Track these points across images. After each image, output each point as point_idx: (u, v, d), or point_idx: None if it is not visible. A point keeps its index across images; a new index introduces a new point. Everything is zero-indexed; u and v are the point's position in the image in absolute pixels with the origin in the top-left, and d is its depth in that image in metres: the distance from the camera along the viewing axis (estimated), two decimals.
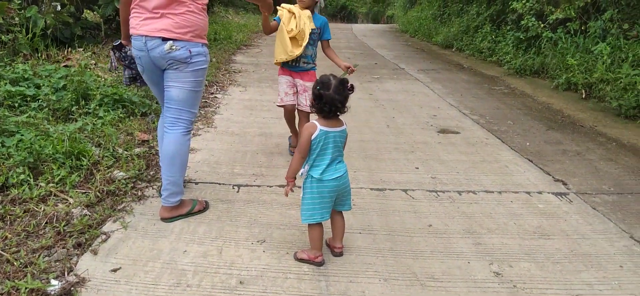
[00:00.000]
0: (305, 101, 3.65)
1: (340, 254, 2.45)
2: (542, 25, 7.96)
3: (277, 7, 3.71)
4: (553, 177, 3.71)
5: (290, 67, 3.69)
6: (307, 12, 3.60)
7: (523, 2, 8.45)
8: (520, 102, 6.30)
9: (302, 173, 2.33)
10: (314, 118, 2.38)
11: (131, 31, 2.62)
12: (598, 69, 6.23)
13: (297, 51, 3.55)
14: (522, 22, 8.35)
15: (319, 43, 3.77)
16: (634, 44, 6.23)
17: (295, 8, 3.61)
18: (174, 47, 2.51)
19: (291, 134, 4.04)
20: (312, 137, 2.24)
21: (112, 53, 3.00)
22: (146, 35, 2.54)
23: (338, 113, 2.27)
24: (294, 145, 3.95)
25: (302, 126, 3.02)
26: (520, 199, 3.27)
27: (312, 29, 3.59)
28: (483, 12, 10.96)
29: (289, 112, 3.78)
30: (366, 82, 7.40)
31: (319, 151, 2.26)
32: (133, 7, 2.60)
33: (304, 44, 3.54)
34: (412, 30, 17.08)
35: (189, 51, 2.54)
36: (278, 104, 3.80)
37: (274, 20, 3.65)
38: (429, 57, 10.85)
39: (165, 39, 2.50)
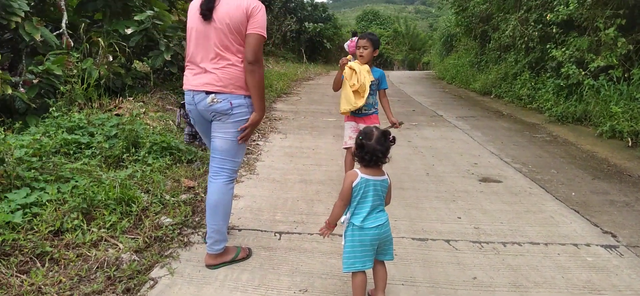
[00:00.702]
0: None
1: None
2: (583, 72, 7.85)
3: (346, 57, 4.19)
4: (601, 229, 3.59)
5: (355, 114, 4.11)
6: (366, 67, 4.04)
7: (562, 50, 8.39)
8: (563, 151, 6.17)
9: (343, 221, 2.37)
10: (356, 166, 2.44)
11: (184, 86, 2.79)
12: None
13: (360, 102, 3.98)
14: (563, 70, 8.26)
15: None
16: None
17: (355, 64, 4.05)
18: (215, 99, 2.64)
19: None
20: (353, 184, 2.31)
21: (178, 111, 3.17)
22: (193, 90, 2.71)
23: (379, 163, 2.34)
24: None
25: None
26: (568, 252, 3.18)
27: (371, 81, 4.01)
28: (521, 59, 10.91)
29: (352, 154, 3.83)
30: (404, 129, 7.42)
31: (359, 199, 2.32)
32: (186, 63, 2.79)
33: (366, 95, 3.97)
34: (449, 77, 17.10)
35: (230, 102, 2.65)
36: (344, 147, 4.21)
37: (342, 78, 4.07)
38: (467, 104, 10.81)
39: (208, 93, 2.64)
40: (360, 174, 2.33)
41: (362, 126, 3.97)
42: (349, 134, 4.12)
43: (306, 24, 25.11)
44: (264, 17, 2.64)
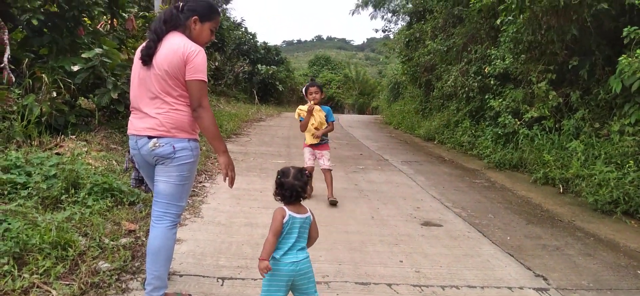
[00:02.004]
0: (324, 162, 5.57)
1: None
2: (518, 122, 8.36)
3: (300, 108, 5.67)
4: (534, 272, 3.79)
5: (313, 144, 5.56)
6: (318, 108, 5.52)
7: (499, 100, 8.92)
8: (500, 196, 6.48)
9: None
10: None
11: (128, 131, 2.78)
12: (573, 165, 6.50)
13: (320, 132, 5.49)
14: (500, 119, 8.76)
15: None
16: (605, 142, 6.55)
17: (307, 107, 5.49)
18: (157, 144, 2.64)
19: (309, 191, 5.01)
20: (284, 221, 2.41)
21: (126, 155, 3.14)
22: (136, 134, 2.71)
23: (300, 198, 2.49)
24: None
25: (329, 177, 5.53)
26: (502, 295, 3.32)
27: (324, 116, 5.52)
28: (463, 108, 11.47)
29: (312, 170, 5.31)
30: (351, 172, 7.58)
31: (284, 235, 2.43)
32: (131, 109, 2.78)
33: (323, 128, 5.50)
34: (395, 122, 17.65)
35: (173, 146, 2.65)
36: (305, 167, 4.70)
37: (300, 120, 5.60)
38: (412, 149, 11.18)
39: (150, 137, 2.64)
40: (288, 212, 2.44)
41: (317, 152, 5.58)
42: (308, 156, 5.63)
43: (259, 66, 25.37)
44: (203, 60, 2.62)
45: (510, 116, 8.54)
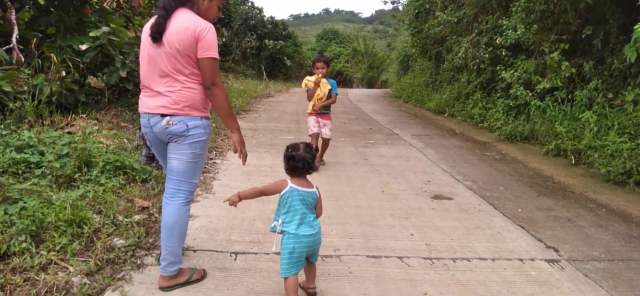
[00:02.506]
0: (326, 132, 6.01)
1: (315, 293, 2.75)
2: (530, 93, 8.26)
3: (308, 79, 5.98)
4: (545, 244, 3.78)
5: (317, 112, 5.97)
6: (324, 80, 5.86)
7: (511, 72, 8.80)
8: (511, 168, 6.45)
9: (276, 229, 2.61)
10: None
11: (139, 109, 2.78)
12: (586, 136, 6.43)
13: (321, 104, 5.91)
14: (511, 91, 8.66)
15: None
16: (618, 113, 6.47)
17: (314, 78, 5.83)
18: (171, 122, 2.64)
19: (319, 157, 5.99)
20: (281, 193, 2.59)
21: (137, 132, 3.15)
22: (149, 113, 2.70)
23: (310, 170, 2.65)
24: (321, 162, 6.08)
25: (326, 146, 6.10)
26: (513, 267, 3.33)
27: (328, 89, 5.88)
28: (473, 80, 11.35)
29: (316, 138, 5.89)
30: (361, 147, 7.57)
31: (288, 207, 2.57)
32: (141, 87, 2.78)
33: (325, 99, 5.91)
34: (405, 95, 17.54)
35: (186, 124, 2.65)
36: (309, 133, 5.97)
37: (307, 91, 5.95)
38: (422, 123, 11.12)
39: (163, 115, 2.64)
40: (290, 184, 2.60)
41: (321, 120, 6.00)
42: (313, 124, 5.97)
43: (266, 41, 25.23)
44: (213, 37, 2.62)
45: (521, 88, 8.44)
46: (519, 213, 4.53)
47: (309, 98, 5.98)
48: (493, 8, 10.94)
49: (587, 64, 7.42)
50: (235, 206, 2.71)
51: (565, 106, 7.63)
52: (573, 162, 6.60)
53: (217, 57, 2.64)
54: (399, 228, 4.00)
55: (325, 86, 5.86)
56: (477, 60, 10.72)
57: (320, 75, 5.77)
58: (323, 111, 5.99)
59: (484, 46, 10.53)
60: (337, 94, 6.13)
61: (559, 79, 7.77)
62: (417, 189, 5.24)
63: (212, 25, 2.65)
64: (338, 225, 3.96)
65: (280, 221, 2.58)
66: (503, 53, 9.50)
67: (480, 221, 4.27)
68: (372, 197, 4.86)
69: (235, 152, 2.84)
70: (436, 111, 13.02)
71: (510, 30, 9.18)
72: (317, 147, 5.36)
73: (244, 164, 2.88)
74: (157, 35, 2.59)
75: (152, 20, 2.67)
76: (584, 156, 6.49)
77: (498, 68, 9.46)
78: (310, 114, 6.04)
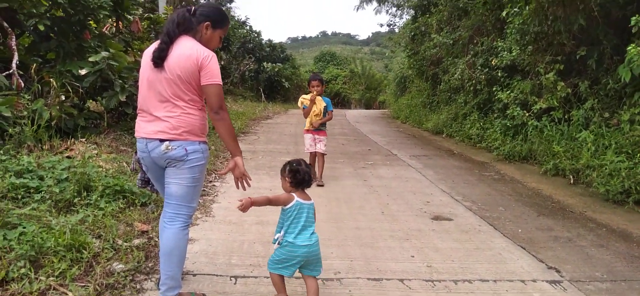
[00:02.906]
0: (321, 147, 6.33)
1: None
2: (527, 114, 8.31)
3: (304, 97, 6.39)
4: (546, 264, 3.77)
5: (314, 129, 6.33)
6: (319, 97, 6.26)
7: (507, 92, 8.88)
8: (510, 188, 6.46)
9: (278, 240, 2.77)
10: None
11: (136, 134, 2.79)
12: (583, 155, 6.46)
13: (319, 121, 6.31)
14: (508, 111, 8.72)
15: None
16: (615, 132, 6.50)
17: (309, 96, 6.24)
18: (170, 147, 2.65)
19: (317, 173, 6.27)
20: (287, 206, 2.76)
21: (134, 156, 3.17)
22: (146, 138, 2.72)
23: (310, 183, 2.87)
24: (320, 184, 6.21)
25: (322, 161, 6.35)
26: (516, 289, 3.32)
27: (323, 107, 6.30)
28: (470, 100, 11.42)
29: (313, 156, 6.36)
30: (360, 168, 7.59)
31: (293, 219, 2.75)
32: (138, 111, 2.80)
33: (321, 116, 6.29)
34: (403, 116, 17.62)
35: (185, 149, 2.67)
36: (306, 151, 6.43)
37: (304, 108, 6.33)
38: (420, 143, 11.16)
39: (162, 140, 2.66)
40: (296, 198, 2.77)
41: (316, 136, 6.34)
42: (309, 142, 6.39)
43: (265, 64, 25.41)
44: (216, 65, 2.66)
45: (518, 108, 8.50)
46: (519, 234, 4.53)
47: (306, 115, 6.35)
48: (488, 30, 11.07)
49: (582, 84, 7.49)
50: (245, 211, 2.77)
51: (562, 125, 7.67)
52: (572, 181, 6.61)
53: (221, 84, 2.68)
54: (400, 249, 3.99)
55: (321, 103, 6.29)
56: (474, 81, 10.81)
57: (315, 93, 6.16)
58: (319, 127, 6.34)
59: (480, 67, 10.63)
60: (332, 111, 6.55)
61: (555, 99, 7.83)
62: (416, 210, 5.24)
63: (214, 54, 2.70)
64: (338, 247, 3.94)
65: (282, 232, 2.75)
66: (499, 74, 9.59)
67: (480, 242, 4.26)
68: (372, 218, 4.86)
69: (236, 176, 2.84)
70: (434, 132, 13.07)
71: (506, 52, 9.28)
72: (312, 165, 5.95)
73: (244, 190, 2.89)
74: (159, 60, 2.62)
75: (155, 45, 2.71)
76: (582, 176, 6.51)
77: (494, 89, 9.54)
78: (307, 131, 6.42)
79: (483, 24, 11.19)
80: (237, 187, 2.90)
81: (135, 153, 3.13)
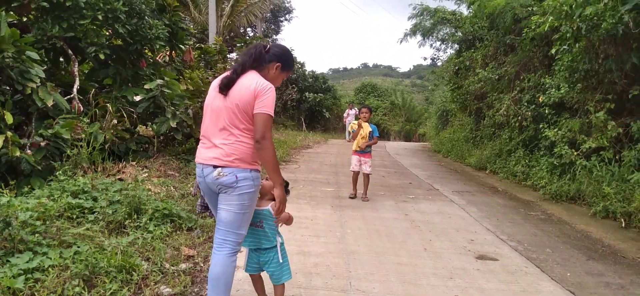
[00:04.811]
0: (366, 168, 7.34)
1: None
2: (575, 153, 8.07)
3: (353, 122, 7.64)
4: None
5: (359, 151, 7.31)
6: (366, 123, 7.30)
7: (555, 130, 8.66)
8: (557, 230, 6.25)
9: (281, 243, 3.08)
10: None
11: (196, 159, 2.93)
12: (636, 198, 6.20)
13: (365, 143, 7.29)
14: (556, 150, 8.48)
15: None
16: None
17: (358, 122, 7.36)
18: (222, 173, 2.75)
19: (353, 191, 7.51)
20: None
21: (195, 181, 3.35)
22: (203, 163, 2.84)
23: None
24: (352, 196, 7.44)
25: (367, 180, 7.43)
26: None
27: (369, 131, 7.29)
28: (515, 137, 11.18)
29: (356, 175, 7.42)
30: (401, 201, 7.53)
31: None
32: (201, 137, 2.93)
33: (367, 139, 7.28)
34: (444, 150, 17.39)
35: (236, 176, 2.75)
36: (351, 170, 7.45)
37: (352, 132, 7.50)
38: (463, 179, 10.97)
39: (215, 167, 2.77)
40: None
41: (362, 158, 7.33)
42: (355, 162, 7.35)
43: (307, 93, 25.78)
44: (272, 97, 2.76)
45: (566, 147, 8.26)
46: (568, 278, 4.37)
47: (354, 138, 7.45)
48: (535, 66, 10.89)
49: (634, 124, 7.23)
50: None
51: (613, 166, 7.40)
52: (623, 225, 6.34)
53: (272, 115, 2.77)
54: (443, 288, 3.92)
55: (367, 128, 7.28)
56: (519, 117, 10.60)
57: (362, 119, 7.23)
58: (366, 150, 7.30)
59: (526, 104, 10.42)
60: (377, 137, 7.54)
61: (605, 139, 7.58)
62: (460, 248, 5.14)
63: (273, 88, 2.80)
64: (380, 283, 3.92)
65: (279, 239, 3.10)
66: (546, 111, 9.38)
67: (527, 284, 4.14)
68: (415, 254, 4.80)
69: (274, 208, 2.92)
70: (477, 167, 12.83)
71: (554, 89, 9.10)
72: (354, 183, 7.45)
73: (277, 220, 3.04)
74: (225, 88, 2.77)
75: (223, 74, 2.87)
76: (635, 219, 6.23)
77: (541, 126, 9.32)
78: (355, 152, 7.39)
79: (530, 60, 11.02)
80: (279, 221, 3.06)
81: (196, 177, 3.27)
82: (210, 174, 2.79)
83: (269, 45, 2.97)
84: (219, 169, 2.76)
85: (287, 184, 3.05)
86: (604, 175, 7.38)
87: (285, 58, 2.97)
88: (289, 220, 3.09)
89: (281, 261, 3.07)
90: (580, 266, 4.76)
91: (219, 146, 2.78)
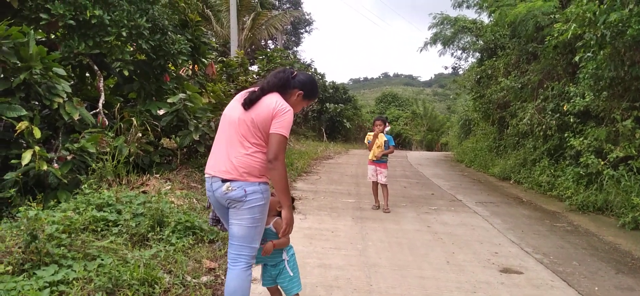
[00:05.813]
0: (381, 178, 7.42)
1: None
2: (602, 162, 7.88)
3: (369, 134, 7.71)
4: None
5: (375, 161, 7.46)
6: (382, 134, 7.43)
7: (581, 139, 8.47)
8: (585, 242, 6.09)
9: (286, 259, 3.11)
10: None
11: (205, 170, 2.95)
12: None
13: (381, 152, 7.41)
14: (582, 159, 8.29)
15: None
16: None
17: (373, 133, 7.51)
18: (230, 187, 2.75)
19: (375, 202, 7.63)
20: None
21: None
22: (212, 175, 2.85)
23: None
24: (376, 207, 7.54)
25: (386, 191, 7.48)
26: None
27: (384, 141, 7.42)
28: (540, 146, 10.98)
29: (375, 185, 7.60)
30: (423, 213, 7.45)
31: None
32: (213, 148, 2.95)
33: (382, 149, 7.40)
34: (467, 160, 17.18)
35: (244, 190, 2.74)
36: (369, 179, 7.61)
37: (368, 142, 7.61)
38: (486, 189, 10.81)
39: (224, 180, 2.77)
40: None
41: (378, 168, 7.46)
42: (371, 172, 7.53)
43: (327, 104, 25.83)
44: (289, 120, 2.76)
45: (593, 156, 8.06)
46: (596, 292, 4.25)
47: (369, 148, 7.63)
48: (559, 74, 10.70)
49: None
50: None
51: None
52: None
53: (287, 137, 2.78)
54: None
55: (382, 138, 7.45)
56: (544, 126, 10.40)
57: (378, 130, 7.39)
58: (381, 159, 7.43)
59: (550, 112, 10.24)
60: (394, 146, 7.69)
61: (633, 148, 7.38)
62: (484, 261, 5.06)
63: (292, 111, 2.82)
64: None
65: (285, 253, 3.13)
66: (571, 119, 9.20)
67: None
68: (437, 267, 4.74)
69: (280, 229, 2.92)
70: (501, 177, 12.63)
71: (578, 97, 8.92)
72: (374, 193, 7.64)
73: (283, 239, 3.03)
74: (249, 103, 2.79)
75: (250, 89, 2.89)
76: None
77: (566, 135, 9.13)
78: (371, 162, 7.58)
79: (554, 68, 10.83)
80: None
81: None
82: (219, 188, 2.80)
83: (296, 72, 3.00)
84: (228, 183, 2.75)
85: (292, 199, 3.05)
86: (633, 185, 7.17)
87: (309, 87, 2.99)
88: (285, 244, 3.09)
89: (291, 274, 3.11)
90: (609, 280, 4.63)
91: (228, 159, 2.79)
